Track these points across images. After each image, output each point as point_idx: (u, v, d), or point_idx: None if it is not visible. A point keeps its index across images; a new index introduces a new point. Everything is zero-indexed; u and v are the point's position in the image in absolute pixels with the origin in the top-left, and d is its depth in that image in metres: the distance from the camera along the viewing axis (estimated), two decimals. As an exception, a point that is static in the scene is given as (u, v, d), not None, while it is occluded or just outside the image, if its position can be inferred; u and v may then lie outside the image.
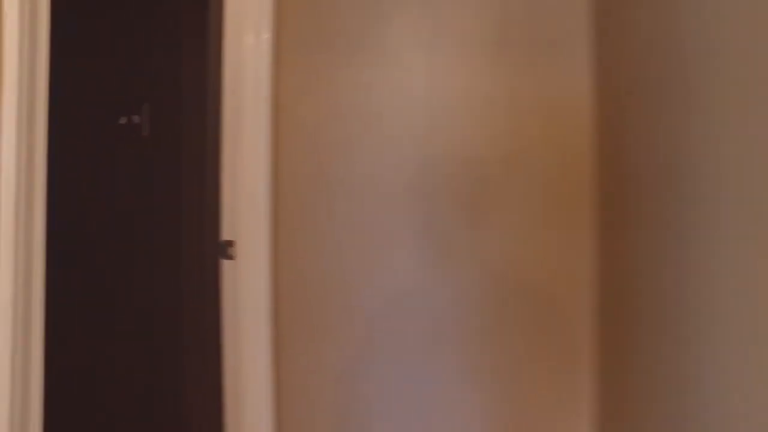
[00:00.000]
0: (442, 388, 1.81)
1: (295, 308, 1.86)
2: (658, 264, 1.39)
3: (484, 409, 1.79)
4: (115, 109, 2.24)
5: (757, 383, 1.00)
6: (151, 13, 2.16)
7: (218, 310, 1.84)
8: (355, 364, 1.85)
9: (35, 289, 1.51)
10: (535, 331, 1.79)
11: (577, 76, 1.75)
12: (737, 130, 1.06)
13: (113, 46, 2.21)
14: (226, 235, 1.84)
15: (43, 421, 1.53)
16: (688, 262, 1.23)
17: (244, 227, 1.81)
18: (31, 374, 1.50)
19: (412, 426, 1.82)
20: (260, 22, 1.83)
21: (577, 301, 1.78)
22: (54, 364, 2.12)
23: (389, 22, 1.83)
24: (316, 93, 1.87)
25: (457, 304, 1.80)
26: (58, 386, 2.09)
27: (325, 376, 1.85)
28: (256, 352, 1.82)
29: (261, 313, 1.81)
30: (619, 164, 1.64)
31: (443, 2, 1.81)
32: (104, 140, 2.22)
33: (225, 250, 1.81)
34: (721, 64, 1.11)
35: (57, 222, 2.21)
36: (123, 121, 2.25)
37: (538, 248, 1.78)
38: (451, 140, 1.81)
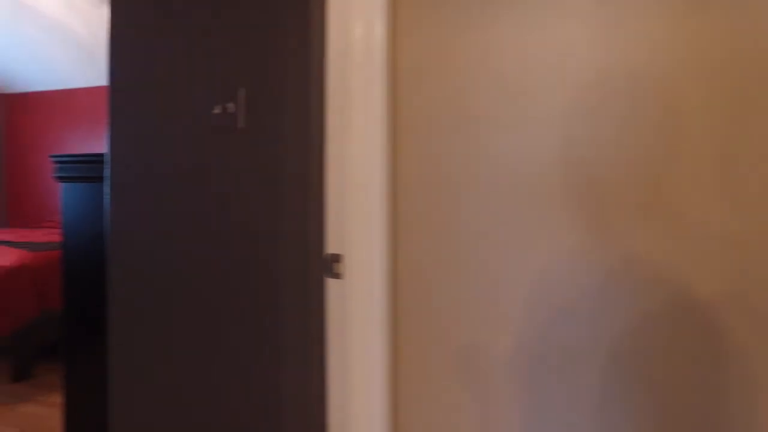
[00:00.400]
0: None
1: (414, 341, 1.49)
2: None
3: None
4: (210, 97, 1.97)
5: None
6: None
7: (323, 335, 1.51)
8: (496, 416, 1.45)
9: None
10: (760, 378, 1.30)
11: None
12: None
13: (207, 24, 1.95)
14: (332, 247, 1.49)
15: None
16: None
17: (355, 238, 1.45)
18: None
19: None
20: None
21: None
22: (162, 368, 1.94)
23: (540, -33, 1.40)
24: (445, 65, 1.47)
25: (639, 329, 1.35)
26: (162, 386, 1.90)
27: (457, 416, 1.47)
28: (368, 390, 1.48)
29: (376, 348, 1.45)
30: None
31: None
32: (196, 133, 1.95)
33: (330, 266, 1.46)
34: None
35: (145, 234, 1.99)
36: (218, 110, 1.98)
37: None
38: (630, 116, 1.34)
